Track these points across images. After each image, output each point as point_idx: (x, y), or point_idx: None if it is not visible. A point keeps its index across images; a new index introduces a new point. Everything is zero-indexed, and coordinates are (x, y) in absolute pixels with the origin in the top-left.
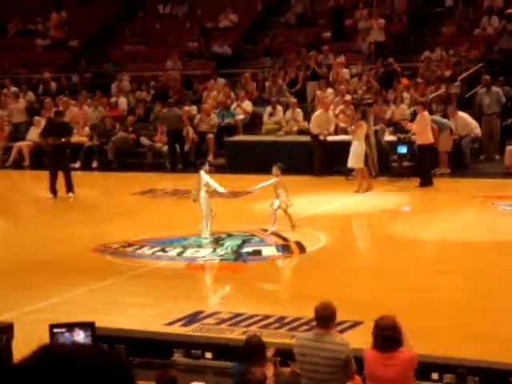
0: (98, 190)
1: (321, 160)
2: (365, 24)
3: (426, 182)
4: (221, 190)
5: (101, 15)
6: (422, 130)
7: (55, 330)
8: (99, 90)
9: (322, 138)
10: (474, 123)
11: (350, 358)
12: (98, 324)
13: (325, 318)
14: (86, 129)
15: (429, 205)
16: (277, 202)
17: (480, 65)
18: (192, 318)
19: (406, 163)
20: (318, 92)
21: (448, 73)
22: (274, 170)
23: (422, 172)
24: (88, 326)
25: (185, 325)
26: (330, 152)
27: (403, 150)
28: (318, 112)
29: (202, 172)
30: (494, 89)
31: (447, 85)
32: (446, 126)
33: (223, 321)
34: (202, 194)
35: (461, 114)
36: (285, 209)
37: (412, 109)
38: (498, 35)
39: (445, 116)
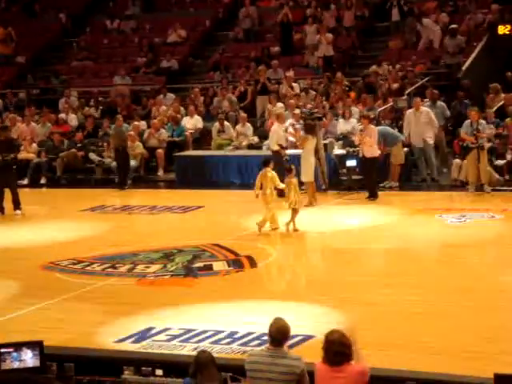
0: (46, 206)
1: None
2: (313, 39)
3: (373, 195)
4: (282, 185)
5: (48, 31)
6: (369, 144)
7: (2, 350)
8: (47, 106)
9: (282, 153)
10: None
11: (304, 373)
12: (46, 343)
13: (279, 337)
14: (34, 145)
15: (378, 218)
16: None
17: (426, 79)
18: (142, 335)
19: (355, 176)
20: (269, 106)
21: (395, 86)
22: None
23: (370, 185)
24: (36, 345)
25: (135, 342)
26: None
27: (352, 163)
28: (275, 126)
29: (269, 169)
30: (439, 103)
31: (394, 99)
32: (399, 138)
33: (174, 337)
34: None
35: (424, 108)
36: (293, 207)
37: (359, 123)
38: (442, 50)
39: (397, 128)
